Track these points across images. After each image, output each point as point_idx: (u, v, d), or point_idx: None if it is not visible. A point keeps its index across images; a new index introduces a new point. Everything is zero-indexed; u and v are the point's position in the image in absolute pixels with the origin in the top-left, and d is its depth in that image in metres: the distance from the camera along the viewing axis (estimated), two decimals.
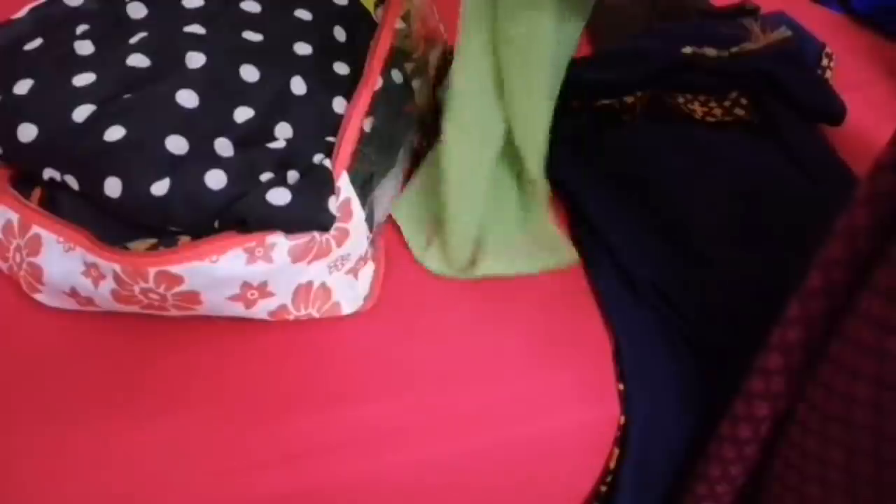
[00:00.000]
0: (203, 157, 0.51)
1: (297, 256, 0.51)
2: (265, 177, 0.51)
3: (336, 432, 0.52)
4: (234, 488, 0.50)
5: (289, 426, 0.52)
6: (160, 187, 0.49)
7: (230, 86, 0.54)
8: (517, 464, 0.56)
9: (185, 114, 0.52)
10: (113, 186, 0.50)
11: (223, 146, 0.52)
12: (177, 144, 0.51)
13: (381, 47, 0.58)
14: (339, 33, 0.60)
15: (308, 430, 0.52)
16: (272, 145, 0.53)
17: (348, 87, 0.57)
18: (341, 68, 0.58)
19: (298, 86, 0.56)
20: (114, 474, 0.49)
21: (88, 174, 0.51)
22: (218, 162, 0.51)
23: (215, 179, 0.50)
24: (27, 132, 0.51)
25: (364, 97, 0.56)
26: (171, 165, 0.50)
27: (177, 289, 0.49)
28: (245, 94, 0.54)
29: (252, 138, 0.53)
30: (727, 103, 0.76)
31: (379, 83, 0.57)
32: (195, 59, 0.54)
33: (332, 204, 0.51)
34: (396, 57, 0.60)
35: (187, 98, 0.52)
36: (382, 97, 0.57)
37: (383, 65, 0.58)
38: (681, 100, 0.75)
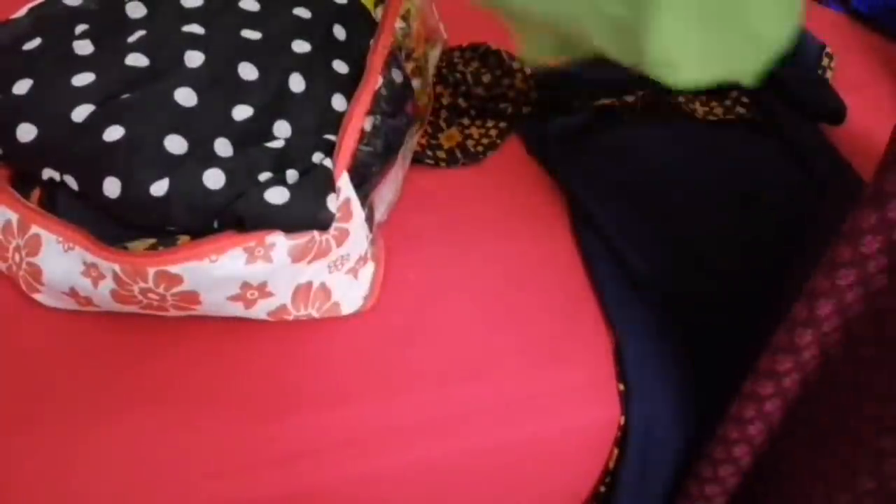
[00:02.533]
0: (202, 156, 0.51)
1: (296, 256, 0.51)
2: (264, 176, 0.50)
3: (335, 432, 0.52)
4: (232, 489, 0.50)
5: (287, 426, 0.52)
6: (159, 187, 0.49)
7: (229, 84, 0.54)
8: (516, 464, 0.55)
9: (184, 113, 0.52)
10: (112, 186, 0.49)
11: (222, 145, 0.52)
12: (176, 144, 0.51)
13: (382, 46, 0.58)
14: (339, 31, 0.60)
15: (307, 431, 0.52)
16: (271, 144, 0.53)
17: (348, 86, 0.56)
18: (341, 66, 0.58)
19: (297, 83, 0.55)
20: (111, 474, 0.49)
21: (87, 174, 0.51)
22: (217, 161, 0.50)
23: (214, 179, 0.49)
24: (26, 132, 0.51)
25: (365, 96, 0.55)
26: (171, 165, 0.50)
27: (176, 289, 0.49)
28: (244, 92, 0.54)
29: (251, 137, 0.53)
30: (728, 102, 0.76)
31: (379, 82, 0.57)
32: (194, 58, 0.54)
33: (332, 203, 0.51)
34: (396, 56, 0.59)
35: (186, 97, 0.52)
36: (383, 96, 0.57)
37: (384, 63, 0.58)
38: (681, 99, 0.75)
